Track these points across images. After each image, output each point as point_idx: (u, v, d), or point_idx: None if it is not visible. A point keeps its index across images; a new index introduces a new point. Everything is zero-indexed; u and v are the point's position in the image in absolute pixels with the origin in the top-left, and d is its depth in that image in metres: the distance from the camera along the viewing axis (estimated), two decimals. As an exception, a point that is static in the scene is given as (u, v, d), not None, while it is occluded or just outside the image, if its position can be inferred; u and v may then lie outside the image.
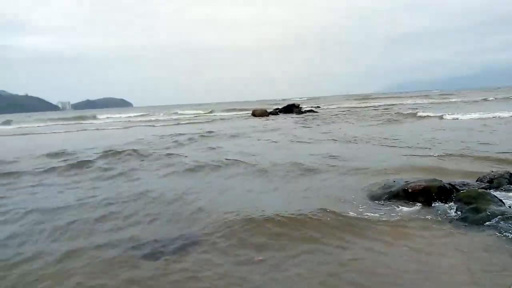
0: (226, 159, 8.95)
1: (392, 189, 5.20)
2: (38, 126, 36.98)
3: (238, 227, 4.28)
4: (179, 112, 47.64)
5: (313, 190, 5.90)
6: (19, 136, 24.61)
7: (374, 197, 5.21)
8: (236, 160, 8.72)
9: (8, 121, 47.12)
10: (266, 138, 13.58)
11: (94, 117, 47.64)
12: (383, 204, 4.92)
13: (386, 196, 5.13)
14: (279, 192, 5.96)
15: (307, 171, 7.25)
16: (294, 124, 20.26)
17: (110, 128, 27.52)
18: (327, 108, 39.47)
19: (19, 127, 36.16)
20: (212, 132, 17.02)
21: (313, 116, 27.17)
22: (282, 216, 4.47)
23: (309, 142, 11.80)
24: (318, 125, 18.76)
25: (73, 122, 42.16)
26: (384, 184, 5.48)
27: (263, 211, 4.71)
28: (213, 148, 11.27)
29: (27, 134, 25.85)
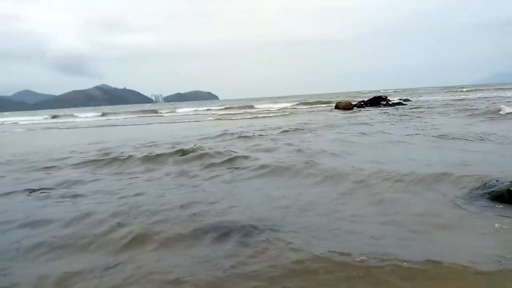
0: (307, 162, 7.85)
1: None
2: (124, 118, 39.48)
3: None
4: (263, 105, 47.08)
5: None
6: (116, 127, 26.01)
7: None
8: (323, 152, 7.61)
9: (104, 113, 51.40)
10: (357, 131, 12.34)
11: (174, 110, 49.39)
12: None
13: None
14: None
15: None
16: (384, 117, 18.31)
17: (190, 121, 27.90)
18: (418, 101, 36.04)
19: (117, 119, 39.10)
20: (300, 125, 15.93)
21: (404, 109, 24.70)
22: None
23: (406, 142, 9.92)
24: (411, 119, 16.66)
25: (154, 114, 44.34)
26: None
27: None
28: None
29: (118, 125, 27.28)
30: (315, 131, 13.57)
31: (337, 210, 4.60)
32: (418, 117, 17.46)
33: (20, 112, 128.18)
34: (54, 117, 52.04)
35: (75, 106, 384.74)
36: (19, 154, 11.41)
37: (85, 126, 30.01)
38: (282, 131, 13.87)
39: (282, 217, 4.38)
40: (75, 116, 50.84)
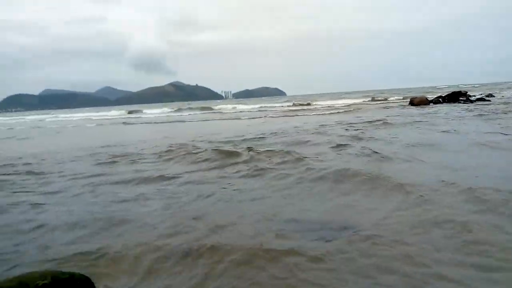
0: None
1: None
2: (189, 114, 40.44)
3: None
4: (332, 101, 45.51)
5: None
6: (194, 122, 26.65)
7: None
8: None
9: (180, 109, 53.43)
10: (438, 130, 11.10)
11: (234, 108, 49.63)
12: None
13: None
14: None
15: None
16: (468, 114, 16.44)
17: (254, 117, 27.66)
18: (503, 96, 32.38)
19: (190, 114, 40.43)
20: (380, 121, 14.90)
21: (489, 105, 22.19)
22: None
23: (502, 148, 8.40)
24: (500, 117, 14.72)
25: (215, 111, 44.86)
26: None
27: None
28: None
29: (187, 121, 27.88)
30: (390, 128, 12.48)
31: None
32: (506, 114, 15.44)
33: (103, 108, 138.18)
34: (130, 112, 54.96)
35: (151, 102, 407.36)
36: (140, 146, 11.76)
37: (158, 121, 31.08)
38: (354, 129, 12.96)
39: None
40: (143, 112, 53.30)
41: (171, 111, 50.84)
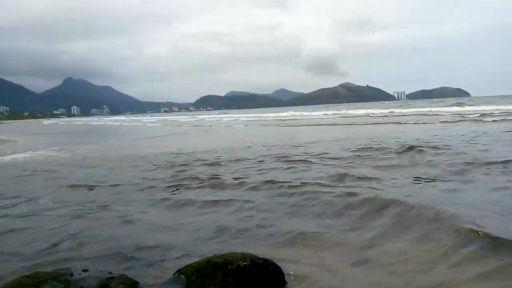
0: None
1: None
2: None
3: None
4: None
5: None
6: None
7: None
8: None
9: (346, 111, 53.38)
10: None
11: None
12: None
13: None
14: None
15: None
16: None
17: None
18: None
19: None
20: None
21: None
22: None
23: None
24: None
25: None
26: None
27: None
28: None
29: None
30: None
31: None
32: None
33: (275, 108, 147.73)
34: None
35: (321, 103, 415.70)
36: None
37: (322, 123, 31.75)
38: None
39: None
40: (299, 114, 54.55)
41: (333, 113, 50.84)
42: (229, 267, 2.73)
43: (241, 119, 52.31)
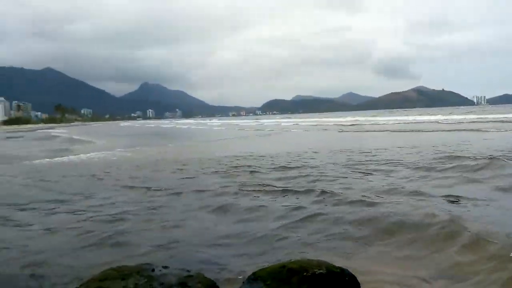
0: None
1: None
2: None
3: None
4: None
5: None
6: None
7: None
8: None
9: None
10: None
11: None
12: None
13: None
14: None
15: None
16: None
17: None
18: None
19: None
20: None
21: None
22: None
23: None
24: None
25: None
26: None
27: None
28: None
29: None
30: None
31: None
32: None
33: (343, 113, 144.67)
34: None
35: (391, 107, 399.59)
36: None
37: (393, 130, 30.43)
38: None
39: None
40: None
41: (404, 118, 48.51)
42: (304, 273, 2.72)
43: (302, 123, 51.99)
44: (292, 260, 3.02)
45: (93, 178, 10.21)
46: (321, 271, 2.71)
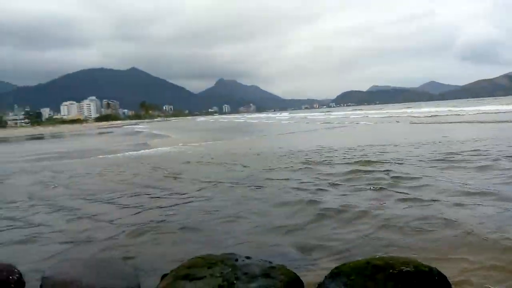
0: None
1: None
2: None
3: None
4: None
5: None
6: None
7: None
8: None
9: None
10: None
11: None
12: None
13: None
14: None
15: None
16: None
17: None
18: None
19: None
20: None
21: None
22: None
23: None
24: None
25: None
26: None
27: None
28: None
29: None
30: None
31: None
32: None
33: (423, 103, 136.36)
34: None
35: (479, 96, 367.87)
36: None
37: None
38: None
39: None
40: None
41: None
42: (391, 270, 2.64)
43: (372, 116, 49.58)
44: (377, 257, 2.95)
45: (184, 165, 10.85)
46: (408, 268, 2.61)
